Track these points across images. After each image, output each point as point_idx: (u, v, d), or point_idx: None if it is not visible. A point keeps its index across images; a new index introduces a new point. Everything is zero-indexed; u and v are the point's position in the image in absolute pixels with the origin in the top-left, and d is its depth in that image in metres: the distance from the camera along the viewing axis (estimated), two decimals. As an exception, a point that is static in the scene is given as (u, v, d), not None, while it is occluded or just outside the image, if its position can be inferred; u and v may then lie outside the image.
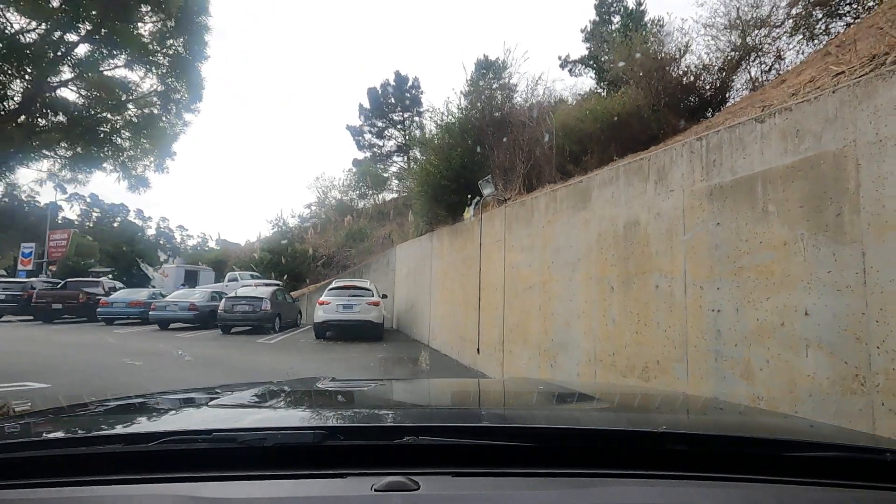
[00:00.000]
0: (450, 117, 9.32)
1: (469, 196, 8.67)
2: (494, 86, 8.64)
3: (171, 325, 14.83)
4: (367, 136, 38.00)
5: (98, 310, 15.79)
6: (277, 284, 18.94)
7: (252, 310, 13.41)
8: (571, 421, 1.27)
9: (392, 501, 0.69)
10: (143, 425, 1.17)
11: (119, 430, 1.07)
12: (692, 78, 9.44)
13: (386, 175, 33.38)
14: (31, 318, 17.08)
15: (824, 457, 0.84)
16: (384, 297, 13.58)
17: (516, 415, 1.35)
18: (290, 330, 14.64)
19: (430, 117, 9.59)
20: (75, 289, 17.31)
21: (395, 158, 37.38)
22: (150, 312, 14.54)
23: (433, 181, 9.64)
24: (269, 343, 11.48)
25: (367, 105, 37.54)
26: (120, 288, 18.59)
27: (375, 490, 0.71)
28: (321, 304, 12.12)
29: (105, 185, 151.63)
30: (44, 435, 1.02)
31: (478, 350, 7.86)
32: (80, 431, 1.05)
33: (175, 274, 24.97)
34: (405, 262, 14.70)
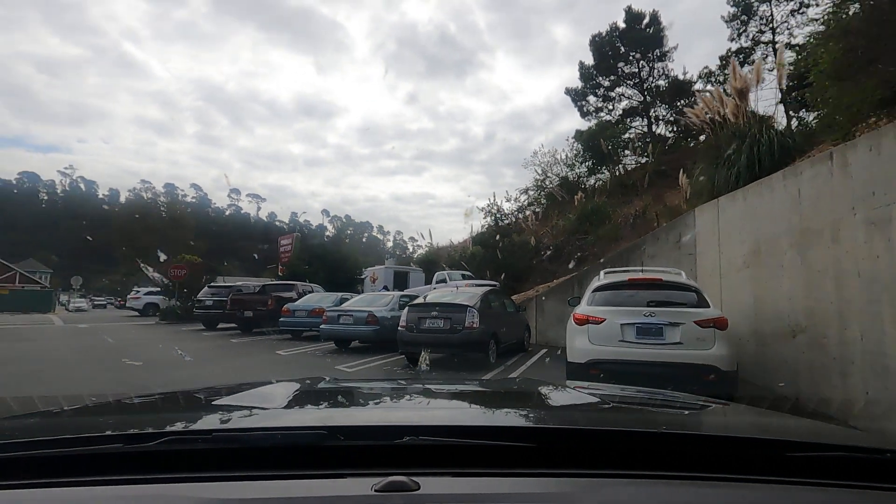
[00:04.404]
0: None
1: None
2: None
3: (352, 345, 10.29)
4: (592, 98, 30.30)
5: (280, 319, 12.43)
6: (493, 285, 13.08)
7: (449, 327, 7.54)
8: (571, 421, 1.25)
9: (392, 501, 0.69)
10: (143, 425, 1.12)
11: (119, 430, 1.04)
12: None
13: (624, 139, 25.13)
14: (235, 326, 14.99)
15: (824, 457, 0.82)
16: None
17: (516, 415, 1.29)
18: (513, 360, 8.33)
19: None
20: (266, 294, 14.64)
21: (629, 123, 28.86)
22: (321, 326, 10.17)
23: None
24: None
25: (589, 61, 29.95)
26: (316, 293, 15.41)
27: (375, 490, 0.70)
28: (582, 321, 5.36)
29: (359, 208, 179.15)
30: (44, 435, 0.96)
31: None
32: (79, 431, 1.00)
33: (384, 276, 21.83)
34: (735, 229, 6.83)
